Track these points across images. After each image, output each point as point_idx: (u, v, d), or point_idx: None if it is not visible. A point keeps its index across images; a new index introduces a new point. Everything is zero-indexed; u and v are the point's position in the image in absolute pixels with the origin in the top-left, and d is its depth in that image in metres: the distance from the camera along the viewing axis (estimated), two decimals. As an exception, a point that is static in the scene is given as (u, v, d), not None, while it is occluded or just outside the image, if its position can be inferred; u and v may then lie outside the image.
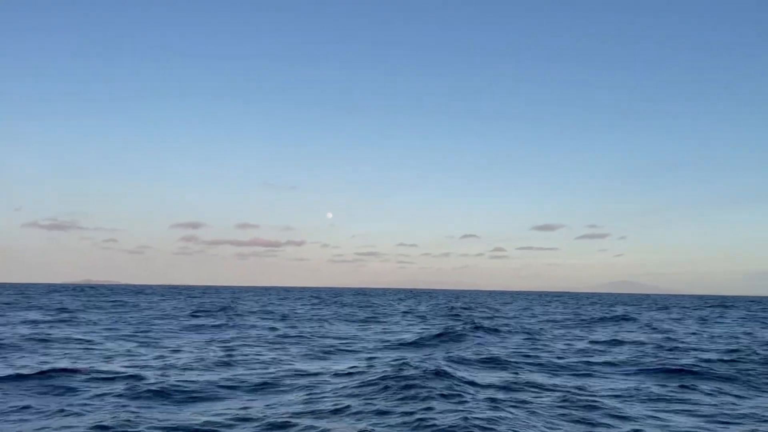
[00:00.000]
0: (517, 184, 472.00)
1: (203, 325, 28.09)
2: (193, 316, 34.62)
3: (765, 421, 10.38)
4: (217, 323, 29.03)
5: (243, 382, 12.94)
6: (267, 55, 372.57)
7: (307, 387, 12.55)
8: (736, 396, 12.67)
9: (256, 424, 9.34)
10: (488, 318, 36.97)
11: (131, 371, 13.71)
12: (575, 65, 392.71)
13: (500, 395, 11.73)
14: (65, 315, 32.55)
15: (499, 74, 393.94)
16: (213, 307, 44.97)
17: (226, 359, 16.16)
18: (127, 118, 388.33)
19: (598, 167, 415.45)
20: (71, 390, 11.76)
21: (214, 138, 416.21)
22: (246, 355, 17.42)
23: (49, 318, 30.15)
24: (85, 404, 10.56)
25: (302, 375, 14.02)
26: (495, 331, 25.84)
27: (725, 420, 10.43)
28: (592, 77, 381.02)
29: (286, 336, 23.44)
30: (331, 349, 19.63)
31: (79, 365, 14.26)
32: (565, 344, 22.08)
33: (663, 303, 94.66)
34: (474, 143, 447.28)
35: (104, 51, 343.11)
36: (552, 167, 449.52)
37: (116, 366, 14.62)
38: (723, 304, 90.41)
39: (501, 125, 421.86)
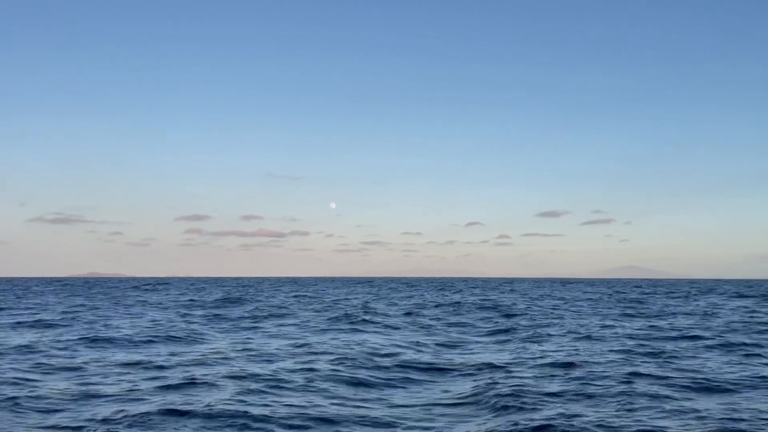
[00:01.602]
0: (522, 170, 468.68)
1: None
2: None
3: None
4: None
5: None
6: (268, 44, 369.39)
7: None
8: None
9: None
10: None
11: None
12: (578, 50, 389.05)
13: None
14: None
15: (501, 60, 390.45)
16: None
17: None
18: (130, 111, 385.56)
19: (603, 152, 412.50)
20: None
21: (218, 129, 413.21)
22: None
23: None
24: None
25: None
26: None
27: None
28: (595, 61, 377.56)
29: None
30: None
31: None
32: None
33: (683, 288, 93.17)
34: (478, 130, 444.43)
35: (105, 43, 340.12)
36: (557, 153, 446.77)
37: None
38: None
39: (504, 111, 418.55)
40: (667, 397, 11.80)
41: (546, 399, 11.45)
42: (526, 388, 12.18)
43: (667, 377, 13.72)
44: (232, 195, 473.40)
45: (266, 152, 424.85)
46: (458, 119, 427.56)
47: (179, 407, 10.54)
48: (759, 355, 17.53)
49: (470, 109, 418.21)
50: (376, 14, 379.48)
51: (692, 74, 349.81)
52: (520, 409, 10.69)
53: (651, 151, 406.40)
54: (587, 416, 10.07)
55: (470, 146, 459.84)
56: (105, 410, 10.57)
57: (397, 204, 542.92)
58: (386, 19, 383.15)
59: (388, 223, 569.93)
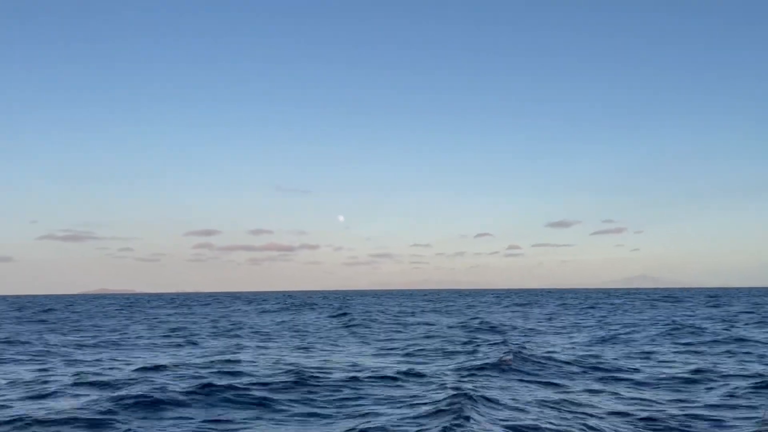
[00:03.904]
0: (531, 180, 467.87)
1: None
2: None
3: None
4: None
5: None
6: (274, 59, 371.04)
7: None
8: None
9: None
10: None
11: None
12: (586, 61, 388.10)
13: None
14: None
15: (511, 71, 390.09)
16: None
17: None
18: (138, 127, 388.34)
19: (613, 162, 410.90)
20: None
21: (226, 144, 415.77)
22: None
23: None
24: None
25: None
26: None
27: None
28: (604, 72, 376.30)
29: None
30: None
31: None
32: None
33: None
34: (487, 140, 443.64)
35: (113, 58, 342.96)
36: (566, 163, 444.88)
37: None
38: None
39: (513, 122, 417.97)
40: None
41: None
42: None
43: None
44: (241, 209, 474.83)
45: (275, 166, 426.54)
46: (466, 130, 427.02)
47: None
48: None
49: (479, 119, 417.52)
50: (381, 27, 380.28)
51: (700, 83, 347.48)
52: None
53: (660, 159, 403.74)
54: None
55: (479, 157, 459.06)
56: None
57: (406, 215, 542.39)
58: (394, 32, 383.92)
59: (397, 235, 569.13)
